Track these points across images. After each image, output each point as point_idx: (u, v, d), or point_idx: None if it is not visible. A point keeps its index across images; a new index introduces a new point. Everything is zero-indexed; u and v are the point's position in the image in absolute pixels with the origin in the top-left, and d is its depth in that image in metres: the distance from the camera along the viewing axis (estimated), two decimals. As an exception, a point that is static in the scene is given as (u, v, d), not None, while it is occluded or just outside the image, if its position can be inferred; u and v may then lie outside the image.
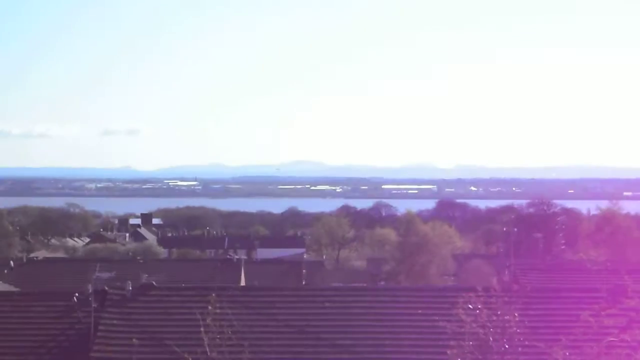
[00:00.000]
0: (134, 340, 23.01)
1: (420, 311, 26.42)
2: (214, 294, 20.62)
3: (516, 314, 17.73)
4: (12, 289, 43.79)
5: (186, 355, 19.91)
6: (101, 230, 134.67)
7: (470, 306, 17.72)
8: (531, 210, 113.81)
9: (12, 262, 58.42)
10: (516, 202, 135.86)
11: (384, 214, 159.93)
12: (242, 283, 52.57)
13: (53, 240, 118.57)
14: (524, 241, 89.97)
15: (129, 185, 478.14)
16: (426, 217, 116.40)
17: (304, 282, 60.61)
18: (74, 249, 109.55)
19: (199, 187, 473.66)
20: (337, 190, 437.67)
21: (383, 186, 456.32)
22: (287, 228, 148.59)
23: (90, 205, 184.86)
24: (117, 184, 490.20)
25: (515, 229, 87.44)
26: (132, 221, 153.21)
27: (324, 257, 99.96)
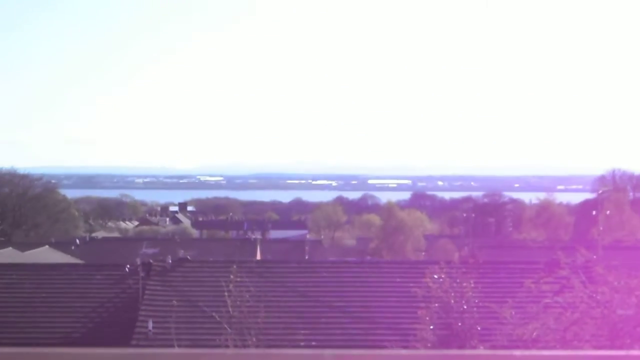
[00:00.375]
0: (173, 302, 23.02)
1: (398, 279, 26.48)
2: (235, 266, 20.66)
3: (472, 282, 17.79)
4: (78, 261, 43.92)
5: (214, 314, 19.95)
6: (147, 215, 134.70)
7: (436, 276, 17.78)
8: (485, 200, 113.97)
9: (77, 241, 58.55)
10: (474, 194, 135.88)
11: (369, 203, 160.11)
12: (258, 257, 52.67)
13: (109, 224, 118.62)
14: (479, 225, 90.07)
15: (168, 180, 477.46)
16: (403, 205, 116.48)
17: (306, 257, 60.75)
18: (126, 230, 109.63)
19: (224, 182, 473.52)
20: (333, 185, 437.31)
21: (369, 181, 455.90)
22: (293, 214, 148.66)
23: (139, 196, 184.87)
24: (159, 179, 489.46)
25: (473, 215, 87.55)
26: (171, 208, 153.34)
27: (322, 237, 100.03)
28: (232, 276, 19.17)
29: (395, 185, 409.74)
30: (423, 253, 78.00)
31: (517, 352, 1.14)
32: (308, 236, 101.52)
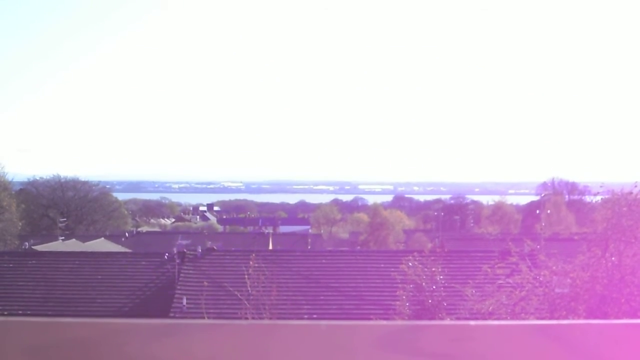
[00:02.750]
0: (204, 282, 23.10)
1: (382, 266, 26.56)
2: (253, 255, 20.74)
3: (440, 267, 17.87)
4: (127, 250, 43.96)
5: (236, 293, 20.05)
6: (181, 214, 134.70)
7: (411, 263, 17.86)
8: (452, 202, 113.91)
9: (127, 234, 58.53)
10: (443, 197, 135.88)
11: (359, 204, 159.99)
12: (270, 247, 52.72)
13: (152, 220, 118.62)
14: (447, 221, 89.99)
15: (198, 186, 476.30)
16: (386, 206, 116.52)
17: (309, 247, 60.77)
18: (165, 225, 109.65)
19: (243, 187, 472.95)
20: (330, 189, 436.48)
21: (359, 186, 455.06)
22: (298, 213, 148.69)
23: (175, 198, 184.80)
24: (191, 185, 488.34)
25: (442, 214, 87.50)
26: (201, 208, 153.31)
27: (322, 231, 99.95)
28: (251, 262, 19.26)
29: (380, 190, 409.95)
30: (402, 244, 78.04)
31: (472, 322, 1.19)
32: (310, 231, 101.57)
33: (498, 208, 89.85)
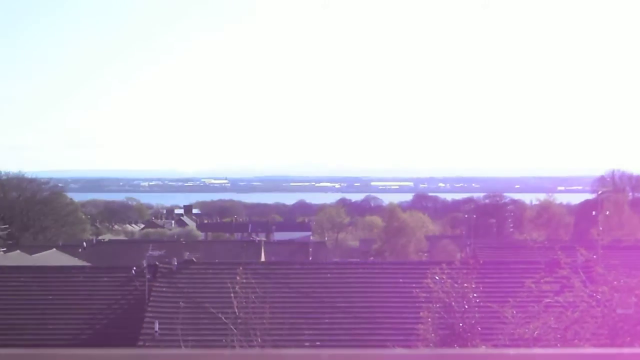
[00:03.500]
0: (179, 303, 23.04)
1: (400, 280, 26.46)
2: (241, 268, 20.67)
3: (473, 283, 17.79)
4: (84, 263, 43.93)
5: (220, 315, 19.98)
6: (152, 218, 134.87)
7: (437, 277, 17.78)
8: (487, 201, 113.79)
9: (84, 244, 58.55)
10: (475, 195, 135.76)
11: (372, 205, 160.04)
12: (262, 259, 52.65)
13: (116, 226, 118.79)
14: (481, 225, 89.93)
15: (174, 183, 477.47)
16: (405, 207, 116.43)
17: (310, 258, 60.73)
18: (132, 232, 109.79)
19: (228, 184, 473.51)
20: (336, 187, 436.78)
21: (372, 183, 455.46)
22: (297, 216, 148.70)
23: (144, 199, 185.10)
24: (165, 182, 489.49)
25: (474, 216, 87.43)
26: (176, 211, 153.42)
27: (326, 238, 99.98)
28: (238, 277, 19.18)
29: (397, 187, 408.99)
30: (425, 254, 77.95)
31: (512, 351, 1.13)
32: (312, 238, 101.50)
33: (544, 209, 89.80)
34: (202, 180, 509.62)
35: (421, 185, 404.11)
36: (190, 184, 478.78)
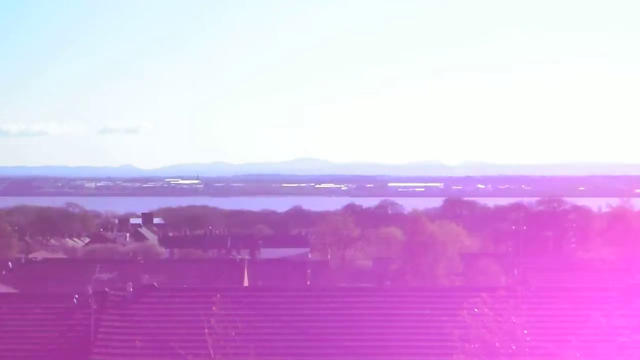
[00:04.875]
0: (136, 342, 23.02)
1: (427, 312, 26.41)
2: (218, 295, 20.64)
3: (524, 315, 17.73)
4: (10, 290, 43.79)
5: (190, 358, 19.93)
6: (101, 230, 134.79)
7: (476, 308, 17.72)
8: (541, 208, 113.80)
9: (10, 264, 58.35)
10: (525, 200, 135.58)
11: (390, 212, 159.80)
12: (246, 283, 52.60)
13: (52, 241, 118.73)
14: (533, 240, 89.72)
15: (129, 184, 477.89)
16: (433, 215, 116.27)
17: (308, 282, 60.58)
18: (74, 249, 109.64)
19: (201, 186, 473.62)
20: (342, 189, 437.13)
21: (389, 184, 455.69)
22: (291, 227, 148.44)
23: (90, 204, 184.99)
24: (117, 182, 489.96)
25: (525, 227, 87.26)
26: (132, 221, 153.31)
27: (329, 256, 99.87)
28: (213, 308, 19.16)
29: (422, 189, 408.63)
30: (460, 277, 77.82)
31: None
32: (310, 256, 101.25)
33: (618, 218, 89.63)
34: (167, 180, 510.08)
35: (454, 187, 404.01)
36: (150, 184, 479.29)
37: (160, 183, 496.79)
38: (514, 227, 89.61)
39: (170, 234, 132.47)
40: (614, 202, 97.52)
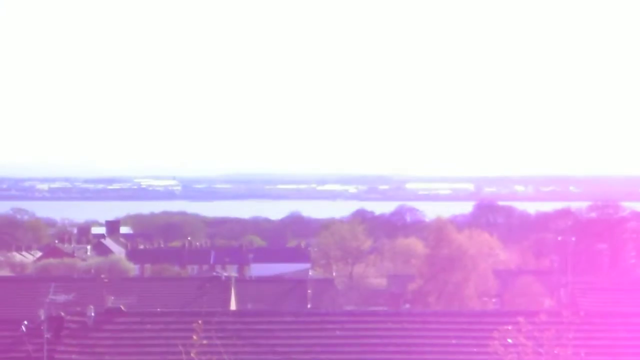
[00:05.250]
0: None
1: (454, 341, 26.45)
2: (199, 321, 20.67)
3: (571, 346, 17.77)
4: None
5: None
6: (56, 242, 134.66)
7: (511, 340, 17.77)
8: (593, 215, 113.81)
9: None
10: (574, 205, 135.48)
11: (408, 219, 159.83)
12: (233, 307, 52.64)
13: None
14: (584, 254, 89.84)
15: (90, 186, 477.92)
16: (461, 223, 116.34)
17: (309, 305, 60.56)
18: (22, 265, 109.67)
19: (178, 188, 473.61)
20: (350, 191, 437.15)
21: (407, 185, 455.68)
22: (288, 238, 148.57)
23: (43, 210, 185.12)
24: (76, 184, 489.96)
25: (573, 239, 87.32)
26: (94, 230, 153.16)
27: (334, 274, 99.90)
28: (194, 336, 19.20)
29: (448, 192, 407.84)
30: (494, 299, 77.85)
31: None
32: (311, 272, 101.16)
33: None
34: (136, 180, 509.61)
35: (487, 189, 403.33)
36: (116, 186, 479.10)
37: (129, 184, 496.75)
38: (560, 239, 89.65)
39: (141, 247, 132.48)
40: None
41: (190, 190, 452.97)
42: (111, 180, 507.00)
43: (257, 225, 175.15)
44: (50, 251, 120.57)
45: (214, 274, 74.21)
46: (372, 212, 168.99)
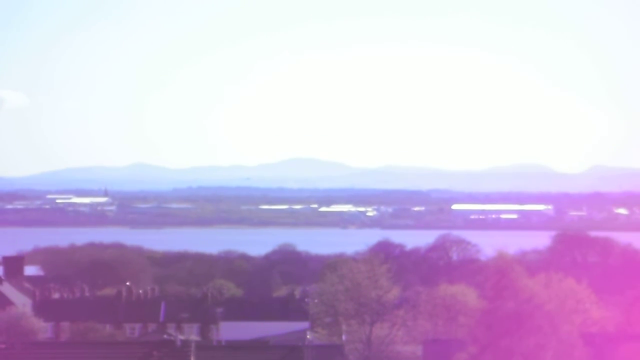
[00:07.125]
0: None
1: None
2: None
3: None
4: None
5: None
6: None
7: None
8: None
9: None
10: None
11: (455, 257, 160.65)
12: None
13: None
14: None
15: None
16: (534, 264, 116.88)
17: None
18: None
19: (112, 207, 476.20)
20: (368, 214, 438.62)
21: (453, 206, 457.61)
22: (276, 284, 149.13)
23: None
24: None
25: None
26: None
27: (344, 337, 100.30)
28: None
29: (515, 216, 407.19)
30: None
31: None
32: (311, 336, 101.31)
33: None
34: (49, 196, 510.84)
35: (572, 213, 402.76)
36: (20, 205, 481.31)
37: (38, 201, 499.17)
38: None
39: (56, 296, 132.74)
40: None
41: (129, 210, 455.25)
42: (13, 195, 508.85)
43: (230, 264, 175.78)
44: None
45: (165, 337, 74.34)
46: (400, 246, 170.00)
